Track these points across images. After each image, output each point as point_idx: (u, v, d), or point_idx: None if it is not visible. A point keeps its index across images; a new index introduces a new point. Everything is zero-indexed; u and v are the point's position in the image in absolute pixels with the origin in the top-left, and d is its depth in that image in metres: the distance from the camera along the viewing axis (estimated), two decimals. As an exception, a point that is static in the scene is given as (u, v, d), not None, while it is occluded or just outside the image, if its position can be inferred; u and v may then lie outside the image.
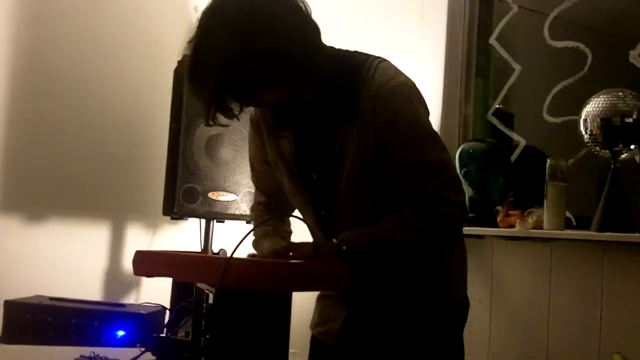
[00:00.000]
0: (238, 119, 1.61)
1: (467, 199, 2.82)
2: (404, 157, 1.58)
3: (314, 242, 1.54)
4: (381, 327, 1.65)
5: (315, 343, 1.82)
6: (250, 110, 1.73)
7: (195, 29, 1.51)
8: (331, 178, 1.63)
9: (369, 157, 1.58)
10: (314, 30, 1.56)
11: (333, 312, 1.76)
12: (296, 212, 1.78)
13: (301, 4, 1.54)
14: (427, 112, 1.64)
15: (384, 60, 1.63)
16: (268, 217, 1.80)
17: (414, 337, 1.64)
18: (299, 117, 1.65)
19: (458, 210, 1.59)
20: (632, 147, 2.49)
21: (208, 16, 1.50)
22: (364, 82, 1.56)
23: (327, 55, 1.60)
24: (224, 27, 1.47)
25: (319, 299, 1.84)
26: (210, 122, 1.57)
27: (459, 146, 2.98)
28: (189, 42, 1.52)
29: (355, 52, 1.65)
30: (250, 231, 1.50)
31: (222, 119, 1.58)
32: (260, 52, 1.46)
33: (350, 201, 1.63)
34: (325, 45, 1.61)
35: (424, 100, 1.64)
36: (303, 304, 1.77)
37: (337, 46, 1.65)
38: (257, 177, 1.88)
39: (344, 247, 1.56)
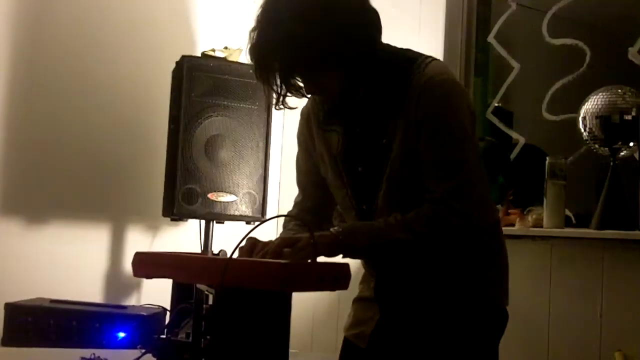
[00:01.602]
0: (307, 97, 1.64)
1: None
2: (431, 151, 1.56)
3: (311, 234, 1.48)
4: (413, 333, 1.64)
5: (347, 345, 1.81)
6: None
7: (257, 16, 1.54)
8: (377, 170, 1.62)
9: (411, 148, 1.57)
10: (376, 16, 1.59)
11: (366, 315, 1.75)
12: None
13: None
14: (472, 117, 1.62)
15: (437, 59, 1.63)
16: (291, 225, 1.77)
17: (446, 346, 1.62)
18: (349, 110, 1.66)
19: (463, 221, 1.54)
20: (631, 144, 2.50)
21: (272, 2, 1.54)
22: (414, 75, 1.57)
23: (383, 48, 1.62)
24: (289, 9, 1.51)
25: (354, 302, 1.83)
26: (280, 106, 1.60)
27: (458, 145, 2.98)
28: (252, 30, 1.55)
29: (408, 49, 1.67)
30: (250, 231, 1.50)
31: (290, 102, 1.61)
32: (325, 30, 1.49)
33: (391, 194, 1.62)
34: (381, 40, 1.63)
35: (470, 104, 1.64)
36: (303, 304, 1.77)
37: None
38: (300, 173, 1.86)
39: (341, 237, 1.55)
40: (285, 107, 1.62)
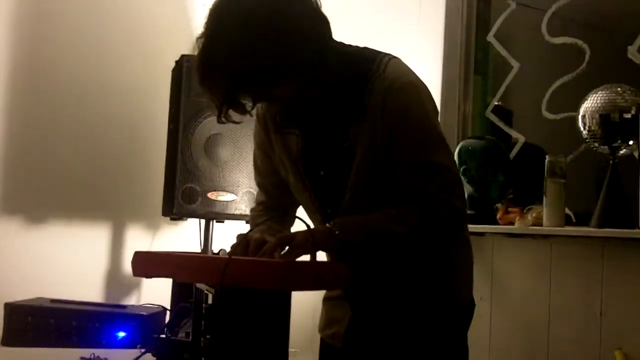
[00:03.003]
0: (251, 115, 1.58)
1: (466, 196, 2.82)
2: (409, 156, 1.56)
3: (308, 229, 1.48)
4: (386, 328, 1.65)
5: (324, 346, 1.81)
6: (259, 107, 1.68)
7: (205, 24, 1.48)
8: (339, 175, 1.61)
9: (378, 153, 1.57)
10: (325, 23, 1.54)
11: (338, 314, 1.74)
12: (299, 213, 1.76)
13: None
14: (436, 113, 1.63)
15: (395, 57, 1.61)
16: (263, 219, 1.75)
17: (419, 338, 1.63)
18: (307, 113, 1.64)
19: (456, 215, 1.59)
20: (631, 142, 2.49)
21: (219, 11, 1.48)
22: (374, 78, 1.55)
23: (336, 50, 1.58)
24: (236, 21, 1.44)
25: (324, 301, 1.83)
26: (223, 119, 1.53)
27: (457, 143, 2.98)
28: (199, 38, 1.49)
29: (365, 48, 1.64)
30: (249, 231, 1.50)
31: (234, 115, 1.54)
32: (274, 46, 1.43)
33: (357, 198, 1.61)
34: (334, 40, 1.58)
35: (433, 101, 1.63)
36: (303, 303, 1.76)
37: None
38: (260, 175, 1.84)
39: (337, 232, 1.53)
40: (229, 121, 1.53)
